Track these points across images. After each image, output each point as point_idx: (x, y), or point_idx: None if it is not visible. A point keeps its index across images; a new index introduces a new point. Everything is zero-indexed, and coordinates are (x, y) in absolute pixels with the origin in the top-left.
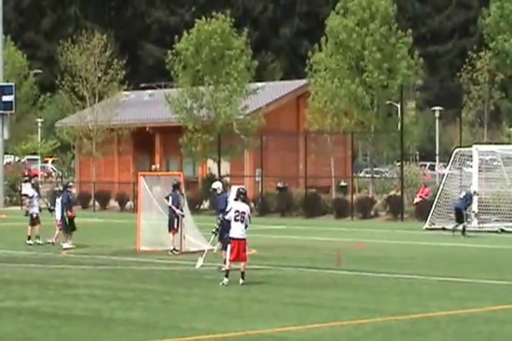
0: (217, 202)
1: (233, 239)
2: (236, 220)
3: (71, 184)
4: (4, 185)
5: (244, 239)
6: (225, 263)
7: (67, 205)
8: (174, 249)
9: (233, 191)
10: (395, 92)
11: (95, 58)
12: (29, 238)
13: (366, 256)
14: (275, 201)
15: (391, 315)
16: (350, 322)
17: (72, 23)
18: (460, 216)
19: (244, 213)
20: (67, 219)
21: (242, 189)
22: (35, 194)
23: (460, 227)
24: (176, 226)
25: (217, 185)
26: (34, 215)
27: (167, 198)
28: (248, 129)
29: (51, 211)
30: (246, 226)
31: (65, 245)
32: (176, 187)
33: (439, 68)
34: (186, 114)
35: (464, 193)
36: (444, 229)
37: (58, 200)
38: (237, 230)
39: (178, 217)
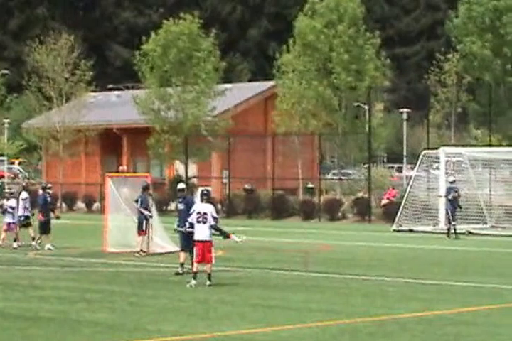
0: (187, 203)
1: (198, 241)
2: (198, 222)
3: (50, 185)
4: None
5: (209, 241)
6: (192, 265)
7: (43, 208)
8: (141, 250)
9: (199, 193)
10: (362, 94)
11: (62, 59)
12: (33, 239)
13: (334, 258)
14: (242, 203)
15: (358, 317)
16: (317, 323)
17: (40, 23)
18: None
19: (206, 214)
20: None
21: (206, 190)
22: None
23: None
24: (144, 228)
25: (183, 185)
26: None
27: (136, 201)
28: (216, 131)
29: (3, 213)
30: (213, 227)
31: (47, 246)
32: (146, 189)
33: (407, 70)
34: (154, 115)
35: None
36: (411, 230)
37: (6, 202)
38: (200, 232)
39: (147, 219)
